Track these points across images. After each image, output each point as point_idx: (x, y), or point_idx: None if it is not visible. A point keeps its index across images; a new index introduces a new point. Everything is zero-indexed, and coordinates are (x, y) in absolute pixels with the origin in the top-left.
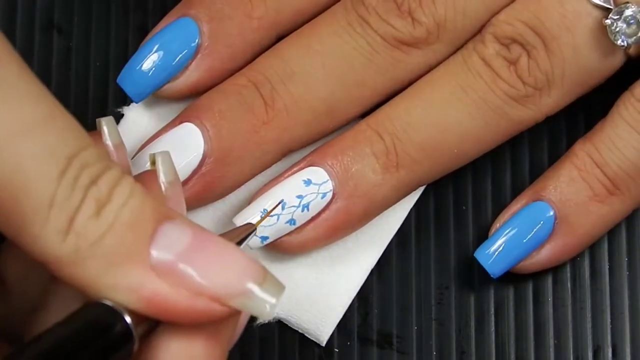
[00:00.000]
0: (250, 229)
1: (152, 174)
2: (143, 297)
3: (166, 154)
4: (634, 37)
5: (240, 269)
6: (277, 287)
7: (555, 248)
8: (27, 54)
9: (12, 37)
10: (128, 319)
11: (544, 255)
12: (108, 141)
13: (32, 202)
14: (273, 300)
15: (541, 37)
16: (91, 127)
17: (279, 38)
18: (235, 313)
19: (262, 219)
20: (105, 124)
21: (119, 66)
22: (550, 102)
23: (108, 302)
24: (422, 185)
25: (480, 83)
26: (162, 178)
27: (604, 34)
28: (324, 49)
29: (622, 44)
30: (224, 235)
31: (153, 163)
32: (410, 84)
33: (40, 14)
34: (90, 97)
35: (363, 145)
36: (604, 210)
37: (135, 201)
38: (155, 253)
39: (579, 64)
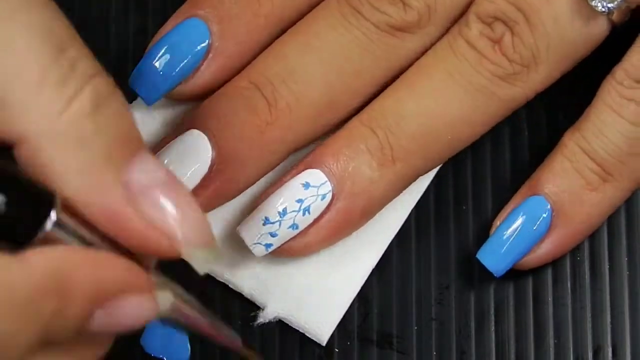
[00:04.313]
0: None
1: None
2: (104, 201)
3: None
4: (614, 2)
5: (200, 223)
6: (218, 257)
7: (555, 241)
8: None
9: None
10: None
11: (545, 249)
12: None
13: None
14: (211, 265)
15: (522, 12)
16: None
17: None
18: (171, 256)
19: None
20: None
21: (119, 66)
22: (538, 77)
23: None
24: (420, 176)
25: (466, 66)
26: None
27: (584, 1)
28: (321, 44)
29: (603, 9)
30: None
31: None
32: None
33: None
34: None
35: (357, 143)
36: (599, 198)
37: (128, 117)
38: (132, 171)
39: (562, 35)
